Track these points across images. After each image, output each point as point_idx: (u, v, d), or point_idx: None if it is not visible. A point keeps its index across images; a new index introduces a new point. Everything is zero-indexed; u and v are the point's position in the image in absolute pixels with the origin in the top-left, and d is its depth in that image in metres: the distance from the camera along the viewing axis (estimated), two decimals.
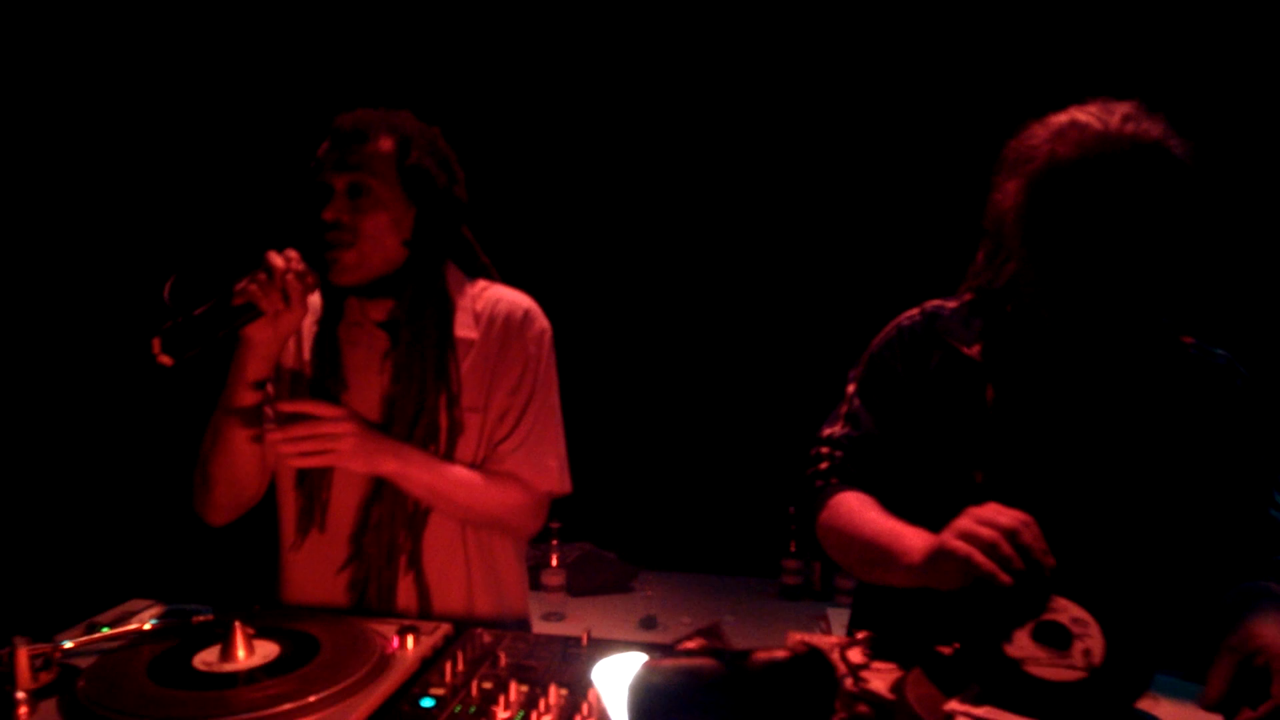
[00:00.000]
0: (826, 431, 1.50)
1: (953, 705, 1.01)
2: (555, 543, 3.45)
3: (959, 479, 1.36)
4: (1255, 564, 1.28)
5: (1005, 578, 1.01)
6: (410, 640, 1.25)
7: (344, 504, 1.58)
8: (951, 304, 1.50)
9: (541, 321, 1.69)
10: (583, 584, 3.50)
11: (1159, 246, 1.21)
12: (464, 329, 1.62)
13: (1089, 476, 1.32)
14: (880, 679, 1.12)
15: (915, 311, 1.52)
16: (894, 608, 1.40)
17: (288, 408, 1.45)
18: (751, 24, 3.39)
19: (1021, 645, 1.01)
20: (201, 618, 1.29)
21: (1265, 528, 1.31)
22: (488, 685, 1.13)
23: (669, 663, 0.66)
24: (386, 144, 1.53)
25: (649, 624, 3.09)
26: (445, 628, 1.33)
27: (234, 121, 3.33)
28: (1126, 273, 1.22)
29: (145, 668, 1.14)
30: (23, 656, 1.07)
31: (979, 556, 1.03)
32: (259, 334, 1.44)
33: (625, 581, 3.53)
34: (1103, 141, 1.20)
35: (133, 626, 1.26)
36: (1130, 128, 1.20)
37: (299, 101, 2.98)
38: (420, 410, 1.55)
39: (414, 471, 1.50)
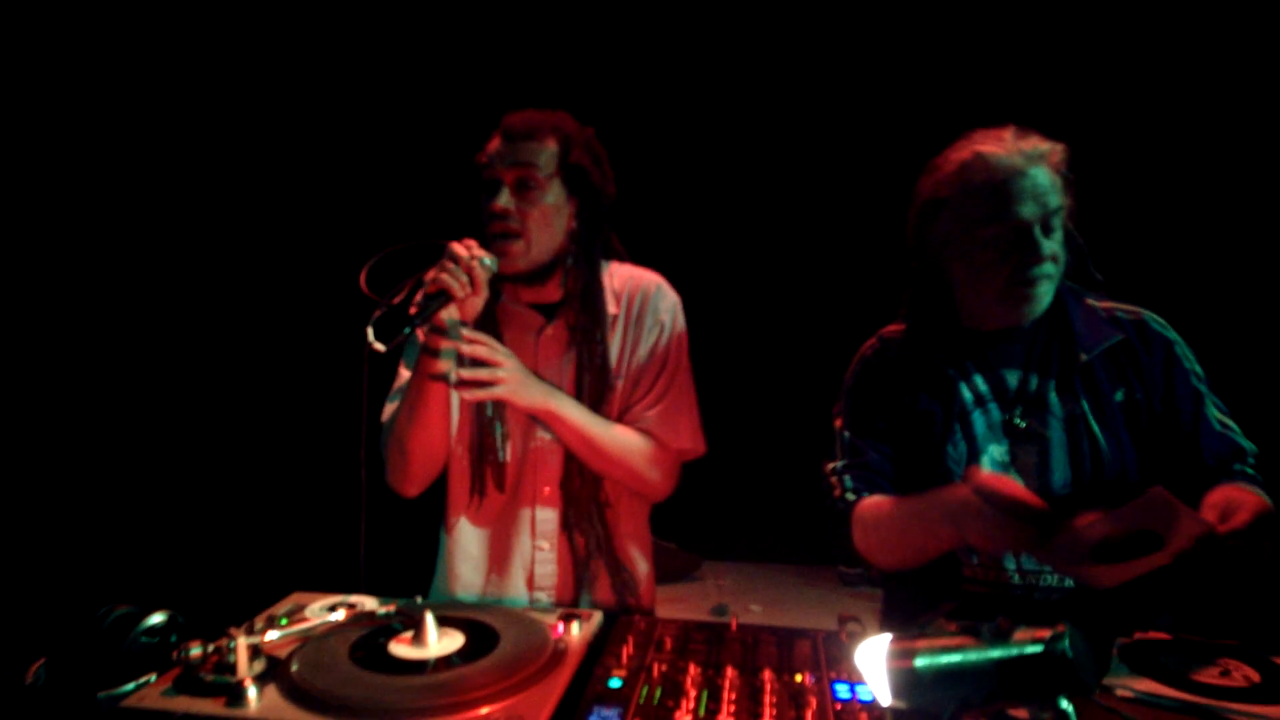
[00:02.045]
0: (829, 465, 1.64)
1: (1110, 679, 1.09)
2: None
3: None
4: (1217, 477, 1.46)
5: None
6: (575, 626, 1.35)
7: (524, 467, 1.73)
8: (900, 327, 1.70)
9: (672, 295, 1.82)
10: None
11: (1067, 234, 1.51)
12: (609, 306, 1.75)
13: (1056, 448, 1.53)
14: None
15: (874, 340, 1.72)
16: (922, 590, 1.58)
17: (467, 336, 1.56)
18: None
19: None
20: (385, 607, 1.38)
21: (1216, 442, 1.51)
22: (664, 667, 1.22)
23: (926, 641, 0.75)
24: (551, 143, 1.66)
25: (720, 611, 3.18)
26: (598, 615, 1.42)
27: (405, 117, 3.52)
28: (1057, 259, 1.50)
29: (349, 656, 1.23)
30: (243, 646, 1.16)
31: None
32: (448, 315, 1.57)
33: (689, 570, 3.62)
34: (1004, 160, 1.47)
35: (320, 619, 1.35)
36: (1028, 144, 1.48)
37: (464, 101, 3.11)
38: (583, 380, 1.70)
39: (568, 412, 1.63)
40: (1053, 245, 1.48)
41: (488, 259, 1.57)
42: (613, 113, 2.27)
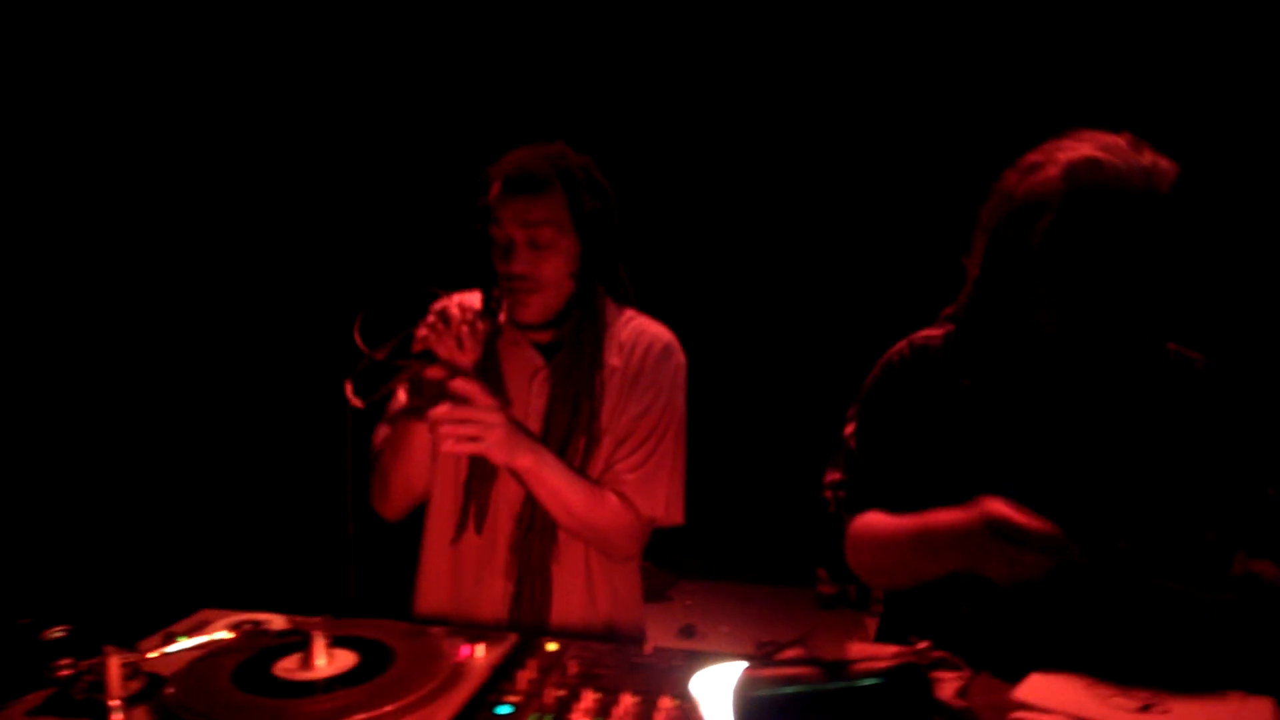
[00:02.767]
0: (829, 478, 1.56)
1: (1018, 714, 1.02)
2: None
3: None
4: (1260, 546, 1.33)
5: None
6: (481, 649, 1.29)
7: (499, 511, 1.67)
8: (937, 333, 1.54)
9: (679, 356, 1.75)
10: None
11: (1169, 268, 1.31)
12: (611, 356, 1.69)
13: (1094, 487, 1.38)
14: (944, 688, 1.14)
15: (904, 345, 1.55)
16: (922, 611, 1.47)
17: (457, 384, 1.50)
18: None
19: None
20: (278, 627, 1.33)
21: (1265, 510, 1.38)
22: (561, 693, 1.16)
23: (771, 673, 0.69)
24: (557, 192, 1.60)
25: (688, 632, 3.11)
26: (512, 637, 1.36)
27: (402, 143, 3.52)
28: (1143, 296, 1.32)
29: (230, 676, 1.17)
30: (114, 665, 1.11)
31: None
32: (434, 373, 1.52)
33: (662, 590, 3.56)
34: (1120, 177, 1.29)
35: (210, 636, 1.30)
36: (1146, 160, 1.30)
37: (454, 133, 3.10)
38: (572, 428, 1.64)
39: (546, 472, 1.56)
40: (1152, 281, 1.33)
41: (479, 322, 1.53)
42: (600, 128, 2.26)
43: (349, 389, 1.40)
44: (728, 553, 3.76)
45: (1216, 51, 3.02)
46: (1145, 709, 1.04)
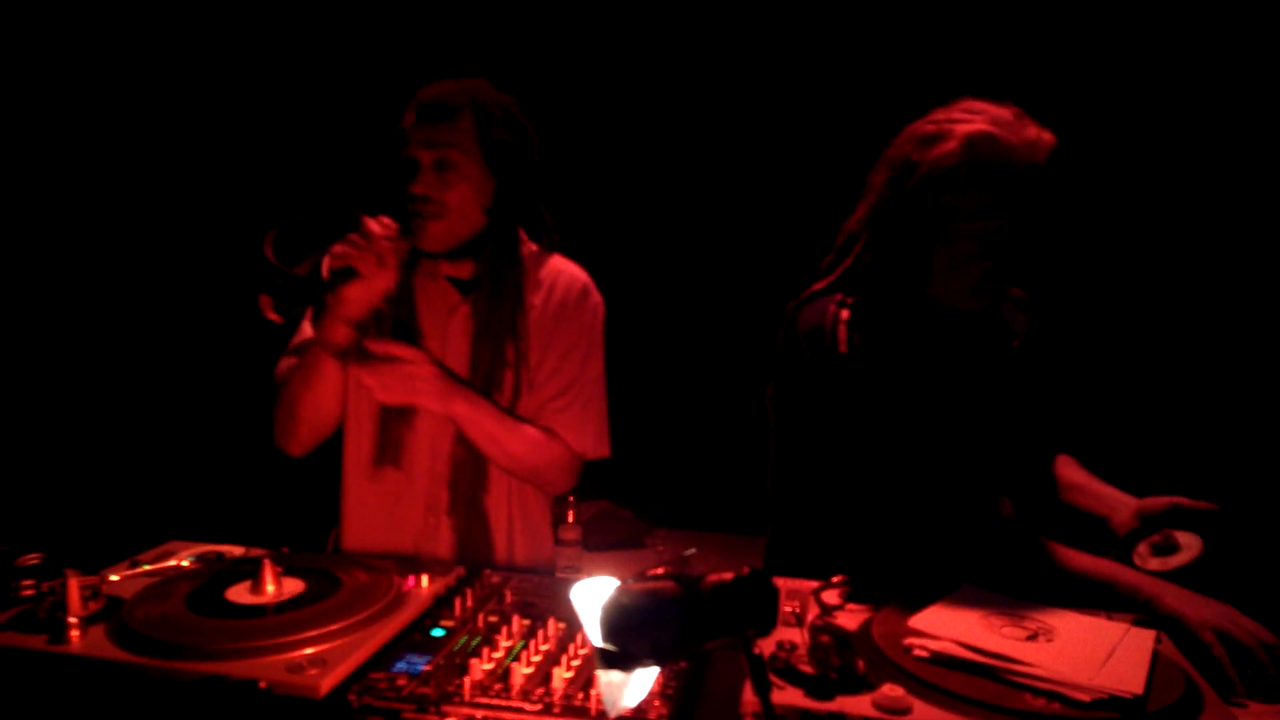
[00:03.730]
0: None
1: (910, 641, 1.10)
2: (572, 499, 3.56)
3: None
4: None
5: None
6: (425, 579, 1.36)
7: (417, 443, 1.71)
8: (854, 296, 1.57)
9: (596, 296, 1.79)
10: (599, 540, 3.61)
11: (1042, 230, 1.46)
12: (530, 294, 1.72)
13: (971, 420, 1.54)
14: (853, 619, 1.21)
15: (847, 311, 1.56)
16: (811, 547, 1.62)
17: (375, 347, 1.53)
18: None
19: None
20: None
21: None
22: (493, 619, 1.24)
23: (636, 585, 0.76)
24: (468, 120, 1.61)
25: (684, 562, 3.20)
26: (459, 570, 1.44)
27: (318, 83, 3.47)
28: (1026, 255, 1.47)
29: (184, 599, 1.25)
30: (74, 586, 1.18)
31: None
32: (353, 293, 1.53)
33: (639, 538, 3.64)
34: (1013, 150, 1.40)
35: (171, 563, 1.38)
36: (1031, 134, 1.42)
37: (382, 63, 3.10)
38: (496, 365, 1.67)
39: (481, 416, 1.60)
40: (1034, 246, 1.47)
41: (401, 240, 1.54)
42: (535, 77, 2.28)
43: (266, 304, 1.38)
44: (700, 502, 3.84)
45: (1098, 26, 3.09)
46: (1032, 637, 1.11)
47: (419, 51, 3.30)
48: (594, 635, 0.76)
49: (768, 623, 0.70)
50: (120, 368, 3.40)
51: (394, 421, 1.70)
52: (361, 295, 1.53)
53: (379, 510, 1.74)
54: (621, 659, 0.75)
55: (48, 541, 1.42)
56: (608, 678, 0.77)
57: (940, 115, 1.49)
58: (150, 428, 3.40)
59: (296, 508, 2.10)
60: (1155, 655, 1.09)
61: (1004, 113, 1.44)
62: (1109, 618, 1.20)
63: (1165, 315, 3.02)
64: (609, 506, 3.76)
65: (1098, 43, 3.08)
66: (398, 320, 1.71)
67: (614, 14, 3.52)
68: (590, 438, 1.74)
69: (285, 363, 1.75)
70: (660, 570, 0.76)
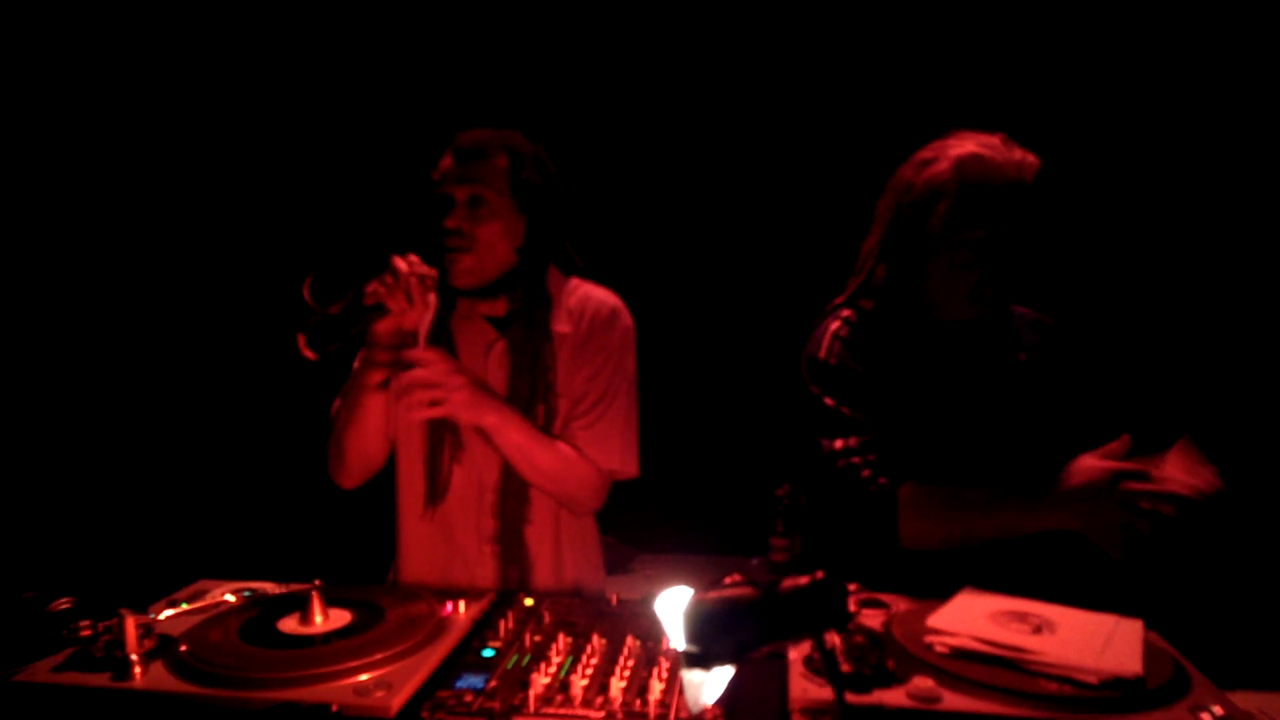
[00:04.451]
0: (839, 444, 1.64)
1: (931, 639, 1.20)
2: None
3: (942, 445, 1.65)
4: None
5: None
6: (462, 605, 1.43)
7: (467, 476, 1.78)
8: (866, 306, 1.76)
9: (626, 319, 1.87)
10: None
11: (1033, 244, 1.62)
12: (560, 324, 1.81)
13: (965, 427, 1.68)
14: (870, 622, 1.32)
15: (846, 316, 1.74)
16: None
17: (411, 356, 1.59)
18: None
19: None
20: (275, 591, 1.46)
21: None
22: (538, 638, 1.31)
23: (715, 593, 0.85)
24: (501, 161, 1.72)
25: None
26: (490, 595, 1.51)
27: (360, 135, 3.56)
28: (1017, 267, 1.62)
29: (237, 632, 1.30)
30: (130, 625, 1.22)
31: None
32: (384, 328, 1.61)
33: (625, 563, 3.71)
34: (999, 169, 1.59)
35: (214, 600, 1.42)
36: (1017, 155, 1.60)
37: (419, 118, 3.16)
38: (532, 396, 1.75)
39: (510, 429, 1.67)
40: (1022, 256, 1.62)
41: (428, 275, 1.60)
42: (562, 128, 2.38)
43: (301, 342, 1.45)
44: (686, 527, 3.92)
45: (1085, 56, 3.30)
46: (1036, 630, 1.22)
47: (454, 105, 3.41)
48: (676, 639, 0.85)
49: (843, 621, 0.79)
50: (139, 411, 3.41)
51: (444, 455, 1.78)
52: (392, 330, 1.62)
53: (433, 542, 1.82)
54: (703, 659, 0.84)
55: (68, 585, 1.45)
56: (690, 677, 0.85)
57: (935, 143, 1.67)
58: (159, 472, 3.40)
59: (331, 543, 2.14)
60: (1145, 641, 1.21)
61: (992, 139, 1.63)
62: (1094, 618, 1.32)
63: (1183, 333, 3.21)
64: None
65: (1120, 64, 3.25)
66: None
67: (642, 45, 3.64)
68: (615, 455, 1.79)
69: (337, 403, 1.83)
70: (737, 578, 0.85)
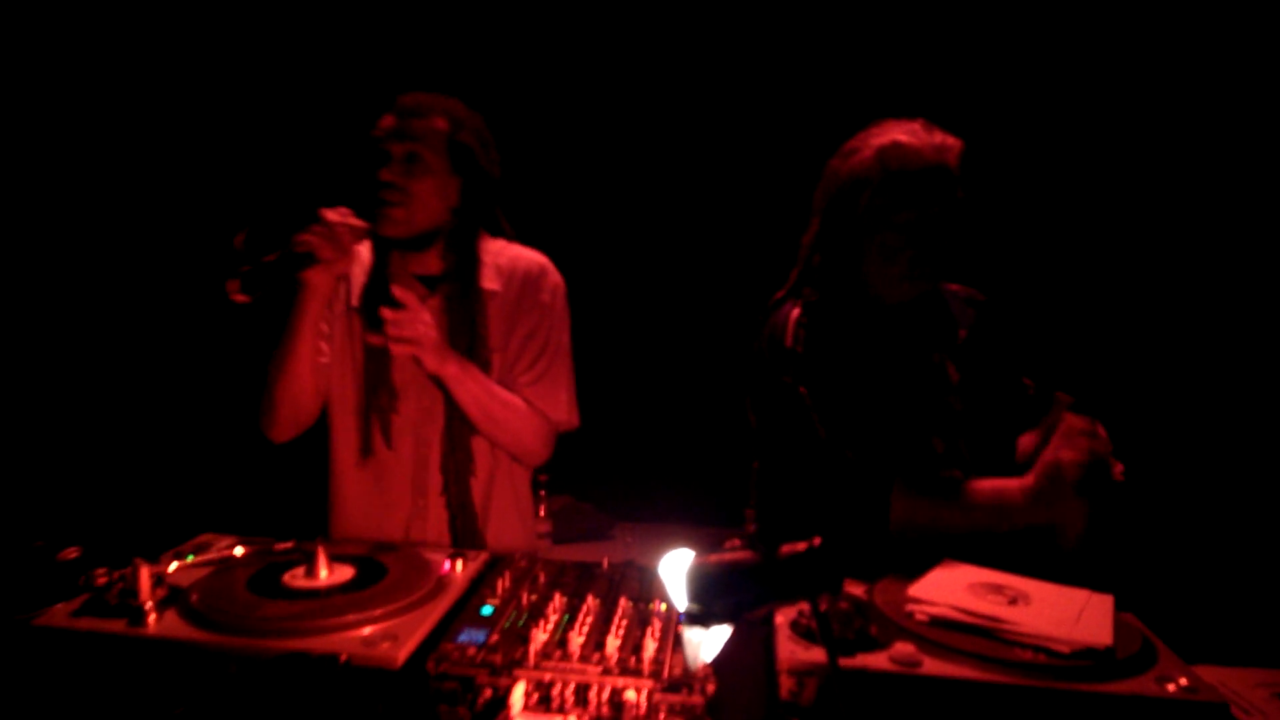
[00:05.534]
0: (821, 430, 1.67)
1: (912, 607, 1.26)
2: (543, 494, 3.68)
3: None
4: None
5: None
6: (460, 564, 1.48)
7: (403, 428, 1.84)
8: (811, 297, 1.79)
9: (555, 276, 1.95)
10: (565, 532, 3.74)
11: (958, 222, 1.68)
12: (489, 282, 1.88)
13: (913, 405, 1.74)
14: (852, 590, 1.38)
15: (800, 309, 1.76)
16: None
17: (397, 292, 1.69)
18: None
19: None
20: (281, 545, 1.50)
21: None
22: (534, 597, 1.36)
23: (717, 556, 0.90)
24: (440, 122, 1.80)
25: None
26: (484, 555, 1.56)
27: (301, 98, 3.57)
28: (945, 243, 1.69)
29: (245, 584, 1.34)
30: (145, 574, 1.26)
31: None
32: (315, 277, 1.70)
33: (604, 531, 3.78)
34: (919, 153, 1.66)
35: (223, 554, 1.46)
36: (937, 139, 1.67)
37: (362, 82, 3.17)
38: (469, 352, 1.81)
39: (469, 379, 1.76)
40: (950, 234, 1.68)
41: (358, 227, 1.69)
42: (508, 103, 2.42)
43: (234, 287, 1.53)
44: (663, 497, 3.99)
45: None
46: (1012, 602, 1.29)
47: (400, 72, 3.40)
48: (679, 599, 0.90)
49: (838, 586, 0.85)
50: (121, 372, 3.42)
51: (379, 408, 1.84)
52: (321, 279, 1.71)
53: (368, 497, 1.88)
54: (704, 618, 0.89)
55: (76, 535, 1.49)
56: (690, 634, 0.91)
57: (860, 134, 1.76)
58: (156, 426, 3.43)
59: (287, 500, 2.18)
60: (1116, 615, 1.28)
61: (913, 124, 1.71)
62: (1067, 591, 1.39)
63: (1121, 308, 3.31)
64: (572, 501, 3.88)
65: (1046, 43, 3.32)
66: (365, 322, 1.83)
67: (588, 29, 3.65)
68: (563, 407, 1.91)
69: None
70: (737, 542, 0.90)
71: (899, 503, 1.61)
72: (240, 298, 1.54)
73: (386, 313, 1.64)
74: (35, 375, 3.28)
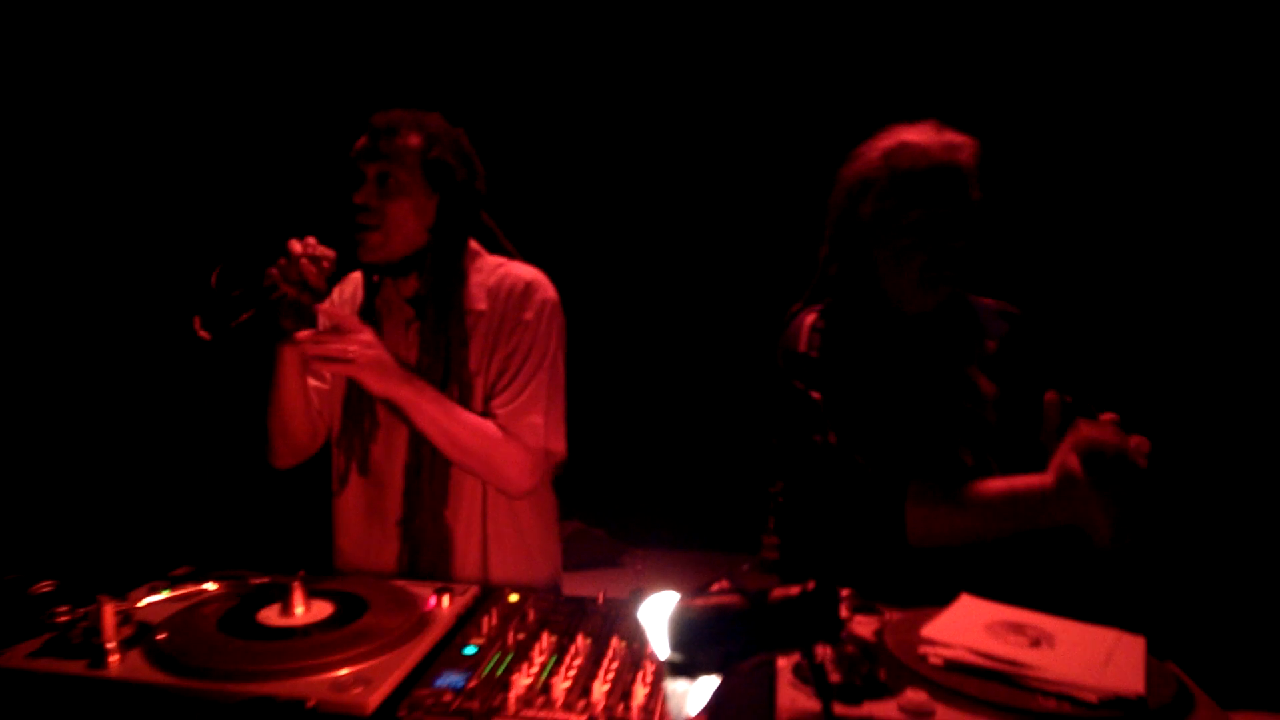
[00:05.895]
0: (834, 438, 1.59)
1: (925, 650, 1.17)
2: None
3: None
4: None
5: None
6: (446, 599, 1.40)
7: (379, 455, 1.80)
8: (829, 304, 1.73)
9: (545, 292, 1.83)
10: (575, 559, 3.66)
11: (974, 227, 1.60)
12: (475, 302, 1.80)
13: (933, 417, 1.65)
14: (862, 629, 1.29)
15: (816, 315, 1.71)
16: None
17: (325, 319, 1.62)
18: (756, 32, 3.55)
19: None
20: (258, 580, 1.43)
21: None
22: (521, 636, 1.28)
23: (702, 600, 0.82)
24: (414, 140, 1.73)
25: (639, 597, 3.25)
26: (474, 589, 1.48)
27: (275, 124, 3.54)
28: (959, 247, 1.60)
29: (216, 623, 1.27)
30: (109, 612, 1.20)
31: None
32: (287, 310, 1.65)
33: (614, 557, 3.70)
34: (925, 152, 1.59)
35: (196, 588, 1.39)
36: (946, 137, 1.60)
37: (340, 104, 3.13)
38: (446, 376, 1.74)
39: (425, 402, 1.65)
40: (964, 235, 1.60)
41: (324, 256, 1.63)
42: (504, 116, 2.36)
43: (197, 323, 1.48)
44: (677, 523, 3.91)
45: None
46: (1035, 644, 1.19)
47: (385, 90, 3.37)
48: (660, 647, 0.82)
49: (834, 634, 0.76)
50: (115, 395, 3.38)
51: (360, 435, 1.80)
52: (290, 309, 1.65)
53: (354, 523, 1.84)
54: (688, 669, 0.80)
55: (51, 568, 1.43)
56: (674, 686, 0.82)
57: (870, 140, 1.69)
58: (145, 455, 3.37)
59: (289, 530, 2.13)
60: (1148, 658, 1.18)
61: (923, 125, 1.64)
62: (1094, 632, 1.29)
63: (1162, 319, 3.19)
64: (582, 527, 3.81)
65: (1076, 49, 3.23)
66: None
67: (587, 33, 3.60)
68: (539, 431, 1.75)
69: None
70: (724, 584, 0.81)
71: (914, 511, 1.51)
72: (204, 334, 1.50)
73: (303, 334, 1.59)
74: (26, 394, 3.24)
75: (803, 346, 1.67)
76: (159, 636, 1.21)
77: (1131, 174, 3.23)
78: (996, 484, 1.48)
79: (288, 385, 1.74)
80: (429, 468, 1.75)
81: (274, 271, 1.60)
